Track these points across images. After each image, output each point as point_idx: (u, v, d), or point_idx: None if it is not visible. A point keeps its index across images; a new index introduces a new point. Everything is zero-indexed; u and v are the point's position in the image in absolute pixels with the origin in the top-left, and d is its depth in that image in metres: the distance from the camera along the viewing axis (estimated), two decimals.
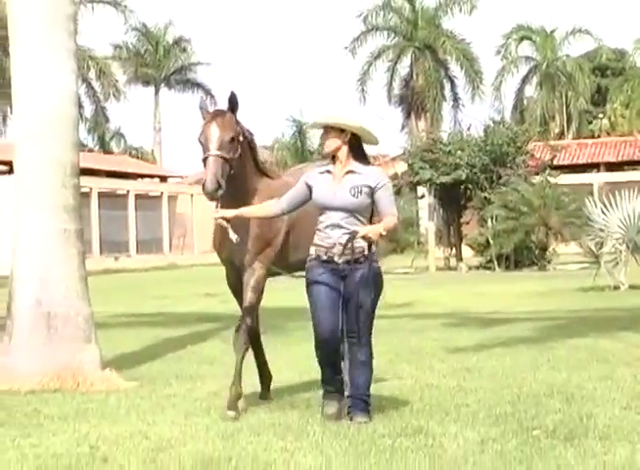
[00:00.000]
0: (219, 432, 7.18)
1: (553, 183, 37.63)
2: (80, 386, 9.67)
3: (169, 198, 51.58)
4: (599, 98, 71.65)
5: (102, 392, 9.36)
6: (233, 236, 7.71)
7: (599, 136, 66.12)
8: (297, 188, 7.56)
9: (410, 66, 60.06)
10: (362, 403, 7.28)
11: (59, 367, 9.85)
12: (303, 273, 7.65)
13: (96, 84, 58.69)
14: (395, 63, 60.05)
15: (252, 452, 6.53)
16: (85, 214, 36.40)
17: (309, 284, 7.37)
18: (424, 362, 10.55)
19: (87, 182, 40.54)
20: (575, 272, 28.24)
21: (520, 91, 67.27)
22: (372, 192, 7.23)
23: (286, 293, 15.50)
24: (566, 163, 52.14)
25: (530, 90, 67.53)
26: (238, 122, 7.93)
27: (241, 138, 7.91)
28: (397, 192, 34.99)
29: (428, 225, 40.78)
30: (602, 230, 23.17)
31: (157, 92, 66.42)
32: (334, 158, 7.36)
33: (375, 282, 7.25)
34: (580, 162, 56.71)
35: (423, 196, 43.83)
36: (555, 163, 43.02)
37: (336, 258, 7.21)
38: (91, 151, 59.50)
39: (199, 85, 65.01)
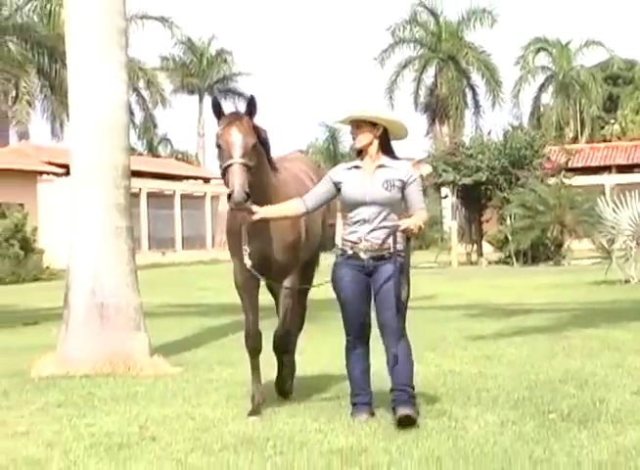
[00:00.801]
0: (259, 413, 7.18)
1: (567, 184, 37.44)
2: (130, 371, 9.72)
3: (212, 198, 51.63)
4: (610, 105, 71.18)
5: (150, 376, 9.40)
6: (248, 262, 7.01)
7: (610, 140, 65.67)
8: (322, 187, 7.03)
9: (435, 75, 59.84)
10: (405, 395, 6.68)
11: (111, 353, 9.90)
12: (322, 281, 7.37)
13: (145, 93, 58.81)
14: (421, 73, 59.85)
15: (289, 433, 6.54)
16: (135, 213, 36.51)
17: (335, 280, 6.90)
18: (447, 350, 10.52)
19: (137, 183, 40.66)
20: (588, 267, 28.07)
21: (537, 99, 66.93)
22: (403, 186, 6.77)
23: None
24: (579, 165, 51.83)
25: (547, 98, 67.21)
26: (257, 128, 7.14)
27: (265, 137, 7.21)
28: (423, 193, 34.89)
29: (451, 223, 40.64)
30: (613, 228, 23.05)
31: (201, 100, 66.50)
32: (360, 153, 6.90)
33: (402, 277, 6.70)
34: (593, 164, 56.35)
35: (446, 196, 43.72)
36: (569, 165, 42.82)
37: (362, 254, 6.76)
38: (141, 154, 59.65)
39: (239, 94, 64.94)
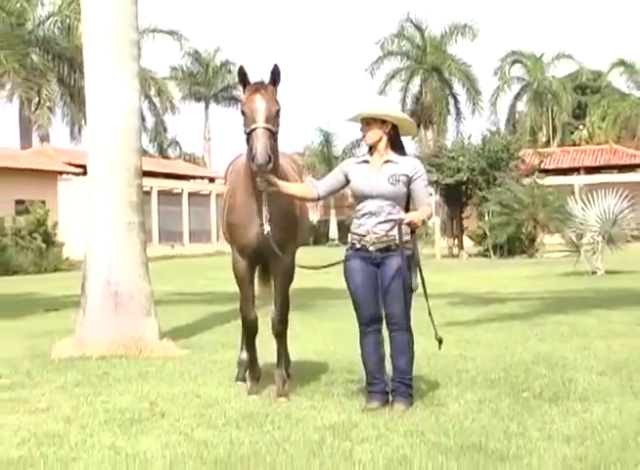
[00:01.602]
0: (258, 392, 7.18)
1: (540, 184, 37.52)
2: (142, 353, 9.70)
3: (217, 196, 51.56)
4: (579, 112, 71.20)
5: (160, 358, 9.39)
6: (267, 227, 6.71)
7: (579, 144, 65.73)
8: (332, 175, 6.79)
9: (420, 85, 59.71)
10: (403, 387, 6.52)
11: (124, 337, 9.89)
12: (327, 263, 7.01)
13: (156, 100, 58.68)
14: (408, 82, 59.74)
15: (286, 409, 6.54)
16: (147, 209, 36.38)
17: (345, 271, 6.65)
18: (431, 334, 10.48)
19: (148, 182, 40.67)
20: (559, 260, 28.06)
21: (512, 106, 66.86)
22: (409, 181, 6.52)
23: (308, 275, 15.48)
24: (551, 167, 51.93)
25: (521, 106, 67.11)
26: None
27: (281, 112, 6.72)
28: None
29: (434, 219, 40.67)
30: (582, 224, 23.08)
31: (207, 107, 66.45)
32: (371, 148, 6.63)
33: (409, 268, 6.48)
34: (563, 166, 56.44)
35: (430, 195, 43.72)
36: (542, 167, 42.93)
37: (369, 247, 6.50)
38: (152, 156, 59.55)
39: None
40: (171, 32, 57.78)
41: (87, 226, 10.42)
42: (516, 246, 35.70)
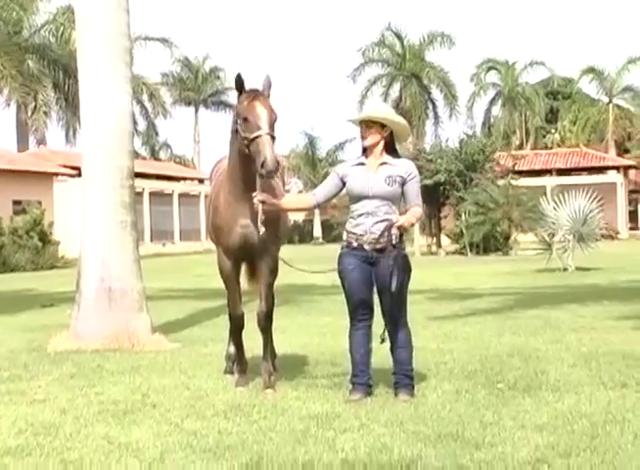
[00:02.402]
0: (245, 384, 7.17)
1: (514, 185, 37.65)
2: (134, 346, 9.68)
3: (206, 196, 51.43)
4: (551, 117, 71.47)
5: (152, 351, 9.36)
6: (262, 229, 6.67)
7: (551, 147, 66.02)
8: (329, 181, 6.72)
9: (400, 90, 59.74)
10: (406, 379, 6.54)
11: (117, 331, 9.86)
12: (320, 268, 7.11)
13: (148, 105, 58.50)
14: (388, 88, 59.78)
15: (272, 400, 6.54)
16: (139, 209, 36.30)
17: (341, 271, 6.57)
18: (410, 328, 10.50)
19: (140, 183, 40.53)
20: (532, 257, 28.17)
21: (488, 111, 67.09)
22: (404, 182, 6.49)
23: (294, 272, 15.46)
24: (524, 169, 52.03)
25: (496, 110, 67.37)
26: None
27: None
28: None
29: None
30: (553, 223, 23.18)
31: (196, 111, 66.29)
32: (365, 151, 6.57)
33: (403, 267, 6.47)
34: (536, 168, 56.66)
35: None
36: (516, 168, 43.01)
37: (365, 246, 6.44)
38: (144, 158, 59.42)
39: (230, 106, 64.64)
40: (162, 40, 57.68)
41: (82, 225, 10.38)
42: (491, 244, 35.79)
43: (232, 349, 7.66)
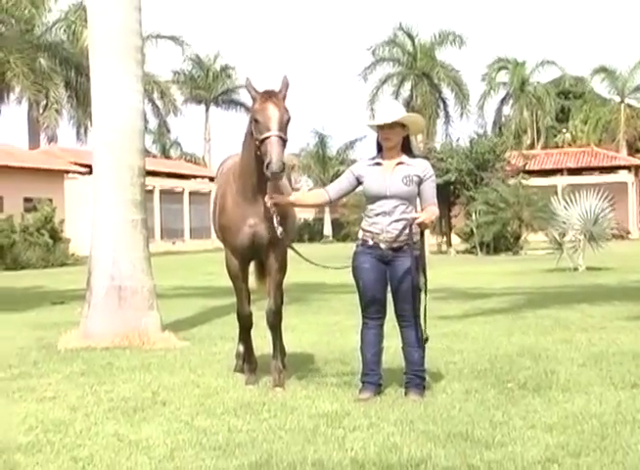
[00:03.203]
0: (255, 382, 7.17)
1: (525, 184, 37.60)
2: (144, 344, 9.69)
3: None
4: (562, 116, 71.28)
5: (162, 349, 9.38)
6: (279, 229, 6.67)
7: (562, 147, 65.84)
8: (343, 178, 6.69)
9: (411, 89, 59.71)
10: (417, 379, 6.52)
11: (127, 329, 9.88)
12: (333, 264, 7.07)
13: (159, 103, 58.59)
14: (399, 87, 59.75)
15: (281, 399, 6.54)
16: (149, 207, 36.48)
17: (355, 268, 6.55)
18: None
19: (151, 181, 40.59)
20: (542, 257, 28.13)
21: (499, 110, 67.01)
22: (420, 181, 6.47)
23: (304, 271, 15.45)
24: (535, 168, 51.97)
25: (507, 109, 67.27)
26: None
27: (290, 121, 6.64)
28: None
29: None
30: (564, 223, 23.13)
31: (207, 110, 66.35)
32: (380, 150, 6.57)
33: (417, 267, 6.42)
34: (547, 167, 56.54)
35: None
36: (526, 168, 42.94)
37: (382, 245, 6.43)
38: (155, 156, 59.53)
39: (241, 104, 64.76)
40: (173, 38, 57.76)
41: (92, 223, 10.40)
42: (501, 243, 35.73)
43: (242, 347, 7.67)
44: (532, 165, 49.09)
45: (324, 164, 65.27)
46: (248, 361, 7.37)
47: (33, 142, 48.39)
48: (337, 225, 63.13)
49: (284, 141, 6.44)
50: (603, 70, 64.11)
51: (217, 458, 5.02)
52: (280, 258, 7.04)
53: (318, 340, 9.72)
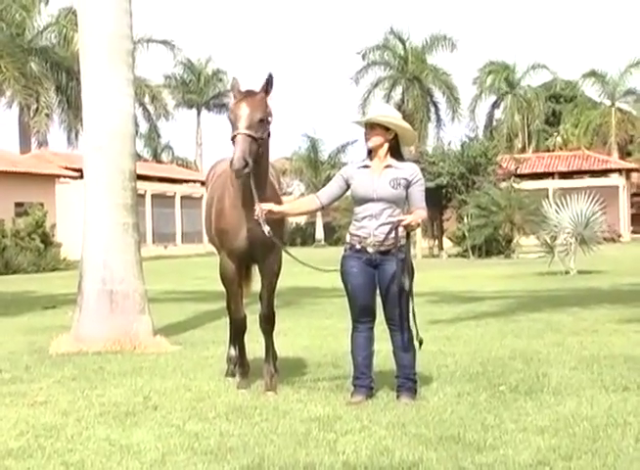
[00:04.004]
0: (247, 386, 7.17)
1: (516, 188, 37.65)
2: (136, 349, 9.69)
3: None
4: (554, 120, 71.42)
5: (153, 353, 9.37)
6: (266, 228, 6.57)
7: (553, 150, 65.96)
8: (333, 183, 6.66)
9: (402, 93, 59.81)
10: (409, 383, 6.53)
11: (119, 333, 9.87)
12: (324, 267, 7.04)
13: (150, 107, 58.56)
14: (390, 91, 59.86)
15: (273, 402, 6.54)
16: (141, 211, 36.35)
17: (344, 272, 6.54)
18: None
19: (142, 185, 40.51)
20: (534, 260, 28.14)
21: (490, 114, 67.10)
22: (408, 185, 6.46)
23: (296, 275, 15.46)
24: (527, 172, 52.06)
25: (499, 113, 67.37)
26: (268, 105, 6.64)
27: (270, 119, 6.64)
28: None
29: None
30: (556, 226, 23.15)
31: (198, 114, 66.32)
32: (370, 153, 6.55)
33: (406, 271, 6.40)
34: (538, 171, 56.62)
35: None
36: (518, 171, 43.03)
37: (369, 249, 6.41)
38: (146, 161, 59.45)
39: None
40: (165, 42, 57.73)
41: (83, 227, 10.39)
42: (493, 247, 35.76)
43: (233, 351, 7.67)
44: (524, 169, 49.17)
45: (316, 167, 65.21)
46: (240, 365, 7.37)
47: (24, 146, 48.30)
48: (329, 229, 63.11)
49: (254, 139, 6.40)
50: (593, 73, 64.28)
51: (209, 463, 5.01)
52: (275, 263, 7.02)
53: (310, 343, 9.72)
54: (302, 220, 66.36)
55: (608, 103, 65.09)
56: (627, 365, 7.75)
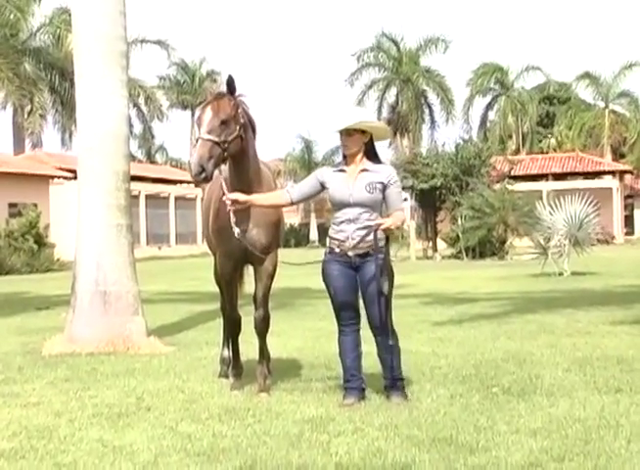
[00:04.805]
0: (240, 387, 7.16)
1: (510, 189, 37.69)
2: (129, 350, 9.68)
3: (202, 200, 51.46)
4: (547, 121, 71.57)
5: (147, 355, 9.36)
6: (236, 229, 6.62)
7: (547, 152, 66.11)
8: (307, 182, 6.66)
9: (396, 94, 59.92)
10: (397, 382, 6.54)
11: (112, 335, 9.86)
12: (305, 261, 7.09)
13: (144, 108, 58.59)
14: (384, 92, 59.96)
15: (266, 404, 6.54)
16: (135, 212, 36.38)
17: (325, 275, 6.55)
18: (405, 333, 10.47)
19: (136, 186, 40.59)
20: (528, 262, 28.16)
21: (484, 115, 67.19)
22: (384, 188, 6.41)
23: (289, 277, 15.49)
24: (520, 173, 52.19)
25: (492, 115, 67.47)
26: (238, 105, 6.58)
27: (241, 120, 6.56)
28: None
29: (409, 223, 40.73)
30: (549, 227, 23.19)
31: (193, 115, 66.19)
32: (345, 157, 6.52)
33: (387, 271, 6.39)
34: (532, 173, 56.77)
35: (406, 199, 43.66)
36: (512, 173, 43.07)
37: (349, 253, 6.38)
38: (140, 161, 59.43)
39: None
40: (159, 43, 57.74)
41: (77, 228, 10.38)
42: (487, 248, 35.80)
43: (226, 352, 7.67)
44: (518, 171, 49.26)
45: (310, 169, 65.15)
46: (234, 366, 7.36)
47: (18, 147, 48.22)
48: (323, 230, 63.13)
49: (216, 143, 6.36)
50: (587, 75, 64.44)
51: (202, 464, 5.01)
52: (270, 265, 7.00)
53: (303, 345, 9.71)
54: (296, 221, 66.42)
55: (601, 105, 65.25)
56: (620, 367, 7.77)
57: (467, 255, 35.61)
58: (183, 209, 51.62)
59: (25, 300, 18.06)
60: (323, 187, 6.55)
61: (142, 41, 55.92)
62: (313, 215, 64.31)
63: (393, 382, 6.56)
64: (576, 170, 57.10)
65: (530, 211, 29.38)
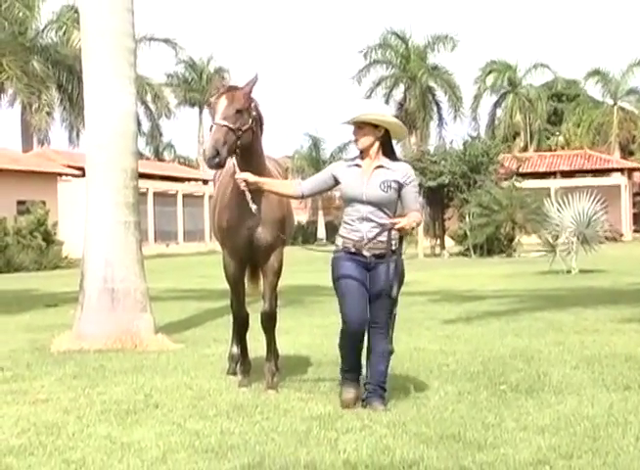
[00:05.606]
0: (248, 384, 7.17)
1: (518, 187, 37.65)
2: (137, 347, 9.69)
3: (210, 197, 51.49)
4: (556, 119, 71.39)
5: (155, 352, 9.37)
6: (252, 206, 6.53)
7: (555, 150, 65.95)
8: (320, 176, 6.49)
9: (404, 92, 59.81)
10: (380, 390, 6.27)
11: (120, 332, 9.88)
12: (312, 246, 7.04)
13: (152, 106, 58.55)
14: (392, 89, 59.86)
15: (275, 401, 6.54)
16: (143, 210, 36.41)
17: (337, 277, 6.29)
18: (413, 330, 10.53)
19: (144, 184, 40.53)
20: (536, 259, 28.14)
21: (492, 113, 67.07)
22: (400, 187, 6.17)
23: (298, 273, 15.49)
24: (528, 171, 52.07)
25: (500, 112, 67.30)
26: (252, 99, 6.61)
27: (253, 113, 6.58)
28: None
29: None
30: (557, 225, 23.15)
31: (200, 112, 66.19)
32: (362, 152, 6.29)
33: (398, 275, 6.23)
34: (540, 170, 56.64)
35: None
36: (520, 171, 43.02)
37: (365, 252, 6.17)
38: (148, 159, 59.46)
39: None
40: (167, 40, 57.73)
41: (85, 226, 10.39)
42: (495, 246, 35.75)
43: (235, 349, 7.68)
44: (526, 168, 49.17)
45: (317, 166, 65.17)
46: (242, 363, 7.37)
47: (26, 145, 48.30)
48: (330, 228, 63.08)
49: (230, 129, 6.37)
50: (596, 73, 64.24)
51: (210, 461, 5.02)
52: (276, 261, 7.00)
53: (312, 342, 9.72)
54: (304, 219, 66.41)
55: (610, 102, 65.04)
56: (628, 364, 7.75)
57: (475, 252, 35.57)
58: (191, 206, 51.66)
59: (34, 297, 18.10)
60: (336, 182, 6.37)
61: (150, 39, 55.93)
62: (321, 213, 64.26)
63: (378, 390, 6.29)
64: (585, 168, 56.95)
65: (538, 208, 29.33)
